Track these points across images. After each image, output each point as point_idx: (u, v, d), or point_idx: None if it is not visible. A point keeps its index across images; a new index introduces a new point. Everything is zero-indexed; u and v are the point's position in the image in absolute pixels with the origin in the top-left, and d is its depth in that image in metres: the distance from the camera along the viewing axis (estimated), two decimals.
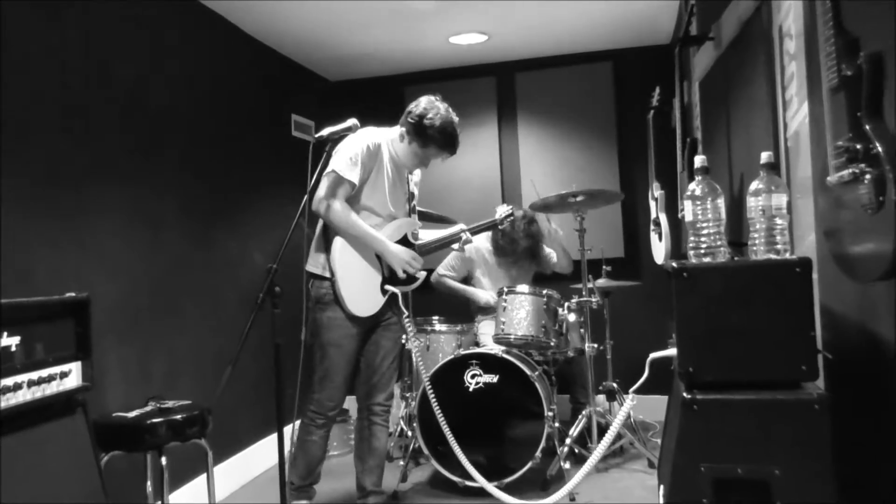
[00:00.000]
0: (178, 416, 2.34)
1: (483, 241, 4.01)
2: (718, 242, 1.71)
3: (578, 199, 3.44)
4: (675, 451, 1.68)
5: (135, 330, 2.85)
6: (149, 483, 2.45)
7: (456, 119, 2.73)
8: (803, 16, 2.02)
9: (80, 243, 2.60)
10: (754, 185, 1.70)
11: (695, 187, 1.74)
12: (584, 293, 3.48)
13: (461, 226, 3.05)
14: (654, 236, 3.81)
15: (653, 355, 1.80)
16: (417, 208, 3.06)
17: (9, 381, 1.68)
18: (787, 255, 1.67)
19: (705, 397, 1.62)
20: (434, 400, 2.84)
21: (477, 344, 3.73)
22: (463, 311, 4.07)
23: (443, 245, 3.02)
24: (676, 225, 3.62)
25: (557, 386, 3.57)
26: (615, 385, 3.70)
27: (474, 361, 3.24)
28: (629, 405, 1.93)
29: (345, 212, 2.60)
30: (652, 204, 3.81)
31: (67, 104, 2.57)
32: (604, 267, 3.75)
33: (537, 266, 4.00)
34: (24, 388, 1.72)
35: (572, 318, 3.51)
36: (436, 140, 2.67)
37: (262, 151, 3.93)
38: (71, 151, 2.58)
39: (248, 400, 3.58)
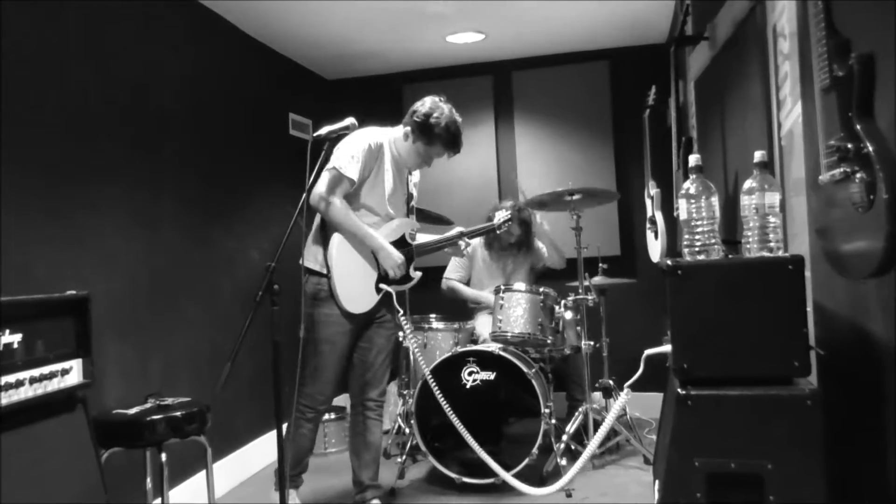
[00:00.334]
0: (178, 413, 2.35)
1: (478, 239, 4.03)
2: (712, 240, 1.73)
3: (575, 197, 3.47)
4: (670, 446, 1.70)
5: (134, 327, 2.86)
6: (148, 480, 2.46)
7: (459, 119, 2.77)
8: (797, 16, 2.04)
9: (80, 241, 2.61)
10: (748, 183, 1.73)
11: (689, 186, 1.76)
12: (580, 291, 3.51)
13: (459, 229, 3.05)
14: (650, 234, 3.84)
15: (648, 352, 1.82)
16: (416, 208, 3.09)
17: (11, 378, 1.69)
18: (780, 253, 1.69)
19: (699, 393, 1.65)
20: (438, 391, 2.85)
21: (474, 340, 3.75)
22: (460, 309, 4.10)
23: (439, 247, 3.02)
24: (672, 223, 3.65)
25: (554, 383, 3.60)
26: (611, 382, 3.72)
27: (471, 359, 3.26)
28: (624, 399, 1.96)
29: (343, 209, 2.63)
30: (648, 202, 3.83)
31: (67, 103, 2.58)
32: (600, 265, 3.78)
33: (531, 258, 4.02)
34: (26, 385, 1.74)
35: (569, 315, 3.53)
36: (441, 139, 2.70)
37: (259, 150, 3.94)
38: (70, 150, 2.59)
39: (246, 397, 3.60)
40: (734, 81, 2.85)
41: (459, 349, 3.34)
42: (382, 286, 2.76)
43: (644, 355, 1.81)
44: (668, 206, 3.65)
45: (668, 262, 1.70)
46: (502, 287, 3.46)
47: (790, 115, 2.20)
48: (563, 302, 3.51)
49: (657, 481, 1.96)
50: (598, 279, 3.71)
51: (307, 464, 2.91)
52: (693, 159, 1.78)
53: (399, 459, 3.43)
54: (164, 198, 3.12)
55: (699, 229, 1.74)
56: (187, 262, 3.26)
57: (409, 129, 2.71)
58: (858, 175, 1.42)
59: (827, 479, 1.58)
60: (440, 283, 4.11)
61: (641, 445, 3.48)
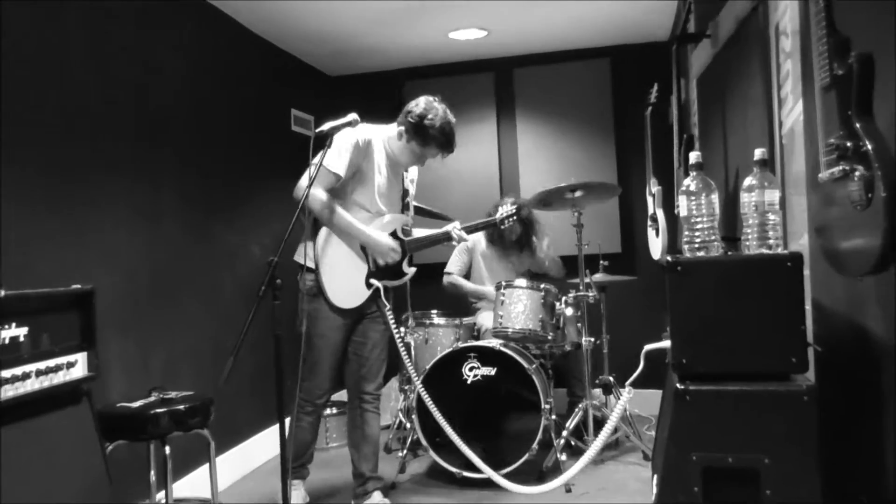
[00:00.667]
0: (181, 407, 2.37)
1: (479, 235, 4.05)
2: (712, 237, 1.74)
3: (576, 194, 3.48)
4: (668, 441, 1.72)
5: (136, 322, 2.88)
6: (152, 473, 2.48)
7: (454, 120, 2.77)
8: (799, 15, 2.05)
9: (82, 237, 2.63)
10: (747, 181, 1.74)
11: (689, 183, 1.78)
12: (581, 288, 3.52)
13: (455, 223, 3.04)
14: (650, 232, 3.85)
15: (647, 347, 1.84)
16: (415, 205, 3.10)
17: (17, 371, 1.71)
18: (779, 250, 1.70)
19: (698, 388, 1.66)
20: (426, 395, 2.88)
21: (475, 335, 3.76)
22: (461, 304, 4.11)
23: (434, 242, 3.01)
24: (673, 221, 3.66)
25: (554, 380, 3.62)
26: (611, 379, 3.74)
27: (472, 354, 3.28)
28: (626, 398, 1.97)
29: (322, 198, 2.63)
30: (649, 200, 3.84)
31: (68, 99, 2.60)
32: (601, 262, 3.79)
33: (532, 261, 4.03)
34: (32, 378, 1.76)
35: (569, 312, 3.55)
36: (436, 139, 2.71)
37: (261, 145, 3.96)
38: (71, 146, 2.60)
39: (248, 391, 3.62)
40: (736, 79, 2.86)
41: (460, 344, 3.36)
42: (373, 281, 2.77)
43: (644, 351, 1.83)
44: (669, 203, 3.66)
45: (668, 258, 1.71)
46: (503, 283, 3.47)
47: (791, 113, 2.21)
48: (563, 298, 3.53)
49: (655, 476, 1.98)
50: (598, 276, 3.73)
51: (312, 455, 2.96)
52: (694, 156, 1.79)
53: (400, 454, 3.45)
54: (166, 193, 3.14)
55: (699, 226, 1.75)
56: (189, 257, 3.28)
57: (402, 129, 2.73)
58: (857, 173, 1.43)
59: (823, 474, 1.59)
60: (441, 279, 4.13)
61: (640, 441, 3.50)
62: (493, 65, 4.72)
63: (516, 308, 3.38)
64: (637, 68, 4.41)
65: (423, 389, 2.90)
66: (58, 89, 2.55)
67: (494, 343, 3.32)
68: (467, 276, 4.15)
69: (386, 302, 2.78)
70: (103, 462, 1.99)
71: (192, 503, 2.93)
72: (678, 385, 1.68)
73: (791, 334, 1.62)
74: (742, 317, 1.65)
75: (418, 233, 3.00)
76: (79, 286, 1.96)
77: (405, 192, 2.93)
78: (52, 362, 1.82)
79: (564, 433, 3.38)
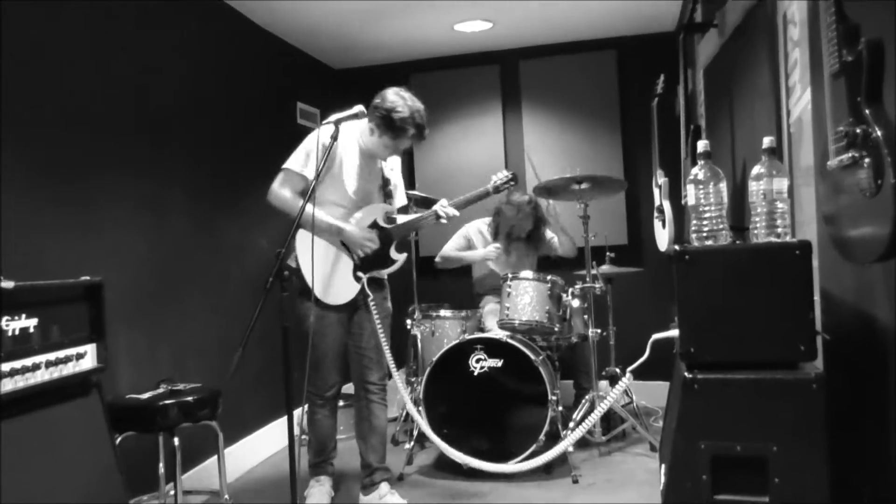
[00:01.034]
0: (190, 398, 2.39)
1: (482, 226, 4.04)
2: (720, 225, 1.74)
3: (582, 186, 3.47)
4: (676, 430, 1.72)
5: (144, 315, 2.90)
6: (161, 464, 2.50)
7: (422, 107, 2.75)
8: (807, 3, 2.04)
9: (90, 231, 2.64)
10: (756, 169, 1.73)
11: (697, 171, 1.77)
12: (587, 279, 3.52)
13: (441, 201, 2.94)
14: (657, 224, 3.83)
15: (655, 336, 1.84)
16: (410, 193, 3.09)
17: (27, 362, 1.72)
18: (788, 239, 1.70)
19: (706, 377, 1.66)
20: (413, 401, 2.88)
21: (481, 328, 3.77)
22: (468, 297, 4.12)
23: (420, 225, 2.94)
24: (680, 212, 3.64)
25: (561, 372, 3.62)
26: (618, 370, 3.74)
27: (479, 346, 3.28)
28: (625, 383, 1.97)
29: (285, 195, 2.70)
30: (655, 191, 3.83)
31: (75, 95, 2.61)
32: (607, 253, 3.78)
33: (538, 250, 4.03)
34: (42, 369, 1.77)
35: (576, 303, 3.55)
36: (406, 130, 2.70)
37: (267, 139, 3.96)
38: (78, 141, 2.61)
39: (256, 384, 3.63)
40: (743, 69, 2.84)
41: (467, 336, 3.36)
42: (360, 274, 2.78)
43: (651, 340, 1.83)
44: (675, 195, 3.65)
45: (676, 247, 1.71)
46: (509, 275, 3.47)
47: (799, 102, 2.20)
48: (570, 290, 3.52)
49: (663, 465, 1.98)
50: (605, 268, 3.72)
51: (334, 450, 3.01)
52: (702, 145, 1.79)
53: (407, 446, 3.46)
54: (173, 187, 3.15)
55: (707, 215, 1.75)
56: (196, 250, 3.29)
57: (373, 125, 2.72)
58: (866, 160, 1.43)
59: (830, 462, 1.59)
60: (449, 275, 4.12)
61: (647, 433, 3.50)
62: (498, 57, 4.71)
63: (523, 300, 3.38)
64: (643, 59, 4.39)
65: (402, 386, 2.88)
66: (66, 86, 2.56)
67: (501, 335, 3.32)
68: (469, 269, 4.15)
69: (369, 291, 2.77)
70: (113, 453, 2.00)
71: (201, 495, 2.95)
72: (686, 374, 1.68)
73: (799, 322, 1.62)
74: (750, 305, 1.65)
75: (403, 218, 2.95)
76: (87, 278, 1.97)
77: (386, 181, 2.92)
78: (61, 353, 1.83)
79: (571, 425, 3.38)
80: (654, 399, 3.96)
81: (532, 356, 3.22)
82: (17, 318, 1.70)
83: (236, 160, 3.64)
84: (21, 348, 1.71)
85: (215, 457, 2.68)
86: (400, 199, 3.03)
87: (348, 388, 3.23)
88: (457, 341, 3.34)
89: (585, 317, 3.57)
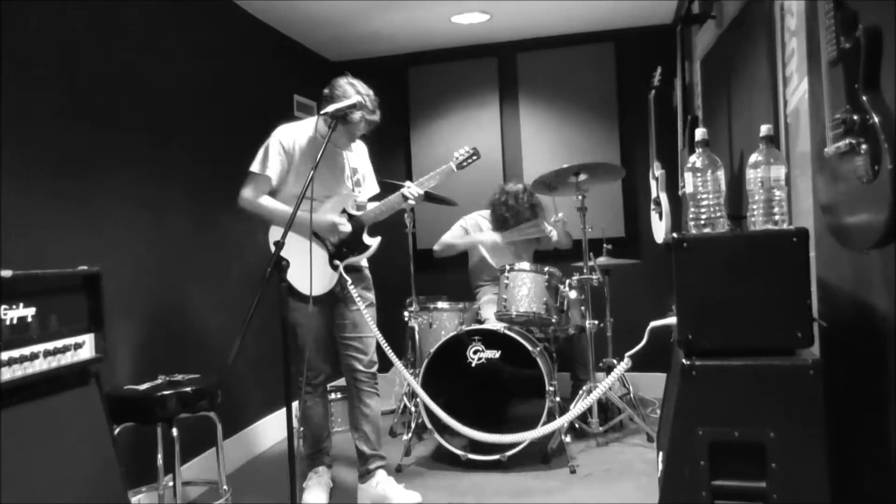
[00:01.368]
0: (188, 389, 2.39)
1: (480, 219, 4.05)
2: (718, 213, 1.74)
3: (580, 177, 3.47)
4: (674, 416, 1.72)
5: (142, 308, 2.90)
6: (160, 456, 2.50)
7: (371, 91, 2.75)
8: None
9: (90, 222, 2.64)
10: (753, 157, 1.74)
11: (695, 159, 1.78)
12: (584, 271, 3.53)
13: (407, 183, 2.92)
14: (654, 216, 3.84)
15: (653, 324, 1.84)
16: (387, 181, 3.12)
17: (25, 351, 1.72)
18: (785, 226, 1.70)
19: (703, 363, 1.67)
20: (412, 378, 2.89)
21: (479, 319, 3.77)
22: (465, 289, 4.12)
23: (391, 207, 2.90)
24: (677, 204, 3.65)
25: (558, 364, 3.63)
26: (615, 362, 3.75)
27: (477, 337, 3.29)
28: (623, 367, 1.98)
29: (252, 198, 2.77)
30: (653, 183, 3.84)
31: (76, 89, 2.61)
32: (604, 245, 3.79)
33: (537, 242, 4.04)
34: (40, 358, 1.76)
35: (573, 295, 3.55)
36: (357, 117, 2.69)
37: (264, 131, 3.93)
38: (79, 134, 2.61)
39: (254, 376, 3.64)
40: (741, 59, 2.84)
41: (465, 328, 3.36)
42: (336, 262, 2.80)
43: (649, 327, 1.84)
44: (672, 187, 3.66)
45: (675, 234, 1.71)
46: (507, 267, 3.48)
47: (796, 91, 2.20)
48: (567, 281, 3.53)
49: (661, 453, 1.99)
50: (602, 259, 3.73)
51: (329, 440, 3.05)
52: (699, 133, 1.79)
53: (405, 437, 3.47)
54: (172, 180, 3.14)
55: (705, 203, 1.75)
56: (195, 243, 3.29)
57: (322, 119, 2.73)
58: (864, 147, 1.43)
59: (828, 448, 1.60)
60: (443, 268, 4.12)
61: (644, 423, 3.51)
62: (496, 49, 4.71)
63: (520, 291, 3.39)
64: (641, 52, 4.39)
65: (402, 368, 2.88)
66: (66, 80, 2.56)
67: (499, 326, 3.33)
68: (465, 261, 4.15)
69: (347, 277, 2.79)
70: (112, 444, 2.00)
71: (200, 486, 2.95)
72: (684, 360, 1.68)
73: (796, 309, 1.63)
74: (748, 292, 1.65)
75: (373, 205, 2.95)
76: (86, 268, 1.96)
77: (353, 171, 2.94)
78: (59, 343, 1.82)
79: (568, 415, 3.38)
80: (650, 390, 3.98)
81: (530, 347, 3.23)
82: (14, 307, 1.70)
83: (234, 152, 3.62)
84: (19, 337, 1.70)
85: (214, 448, 2.68)
86: (371, 187, 3.04)
87: (343, 382, 3.24)
88: (454, 333, 3.34)
89: (583, 308, 3.58)
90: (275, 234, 2.82)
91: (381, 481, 2.83)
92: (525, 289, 3.39)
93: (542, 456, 3.27)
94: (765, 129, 1.73)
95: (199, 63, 3.41)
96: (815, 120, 1.96)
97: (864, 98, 1.43)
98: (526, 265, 3.47)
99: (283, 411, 3.81)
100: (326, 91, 2.73)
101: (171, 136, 3.16)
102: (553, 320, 3.41)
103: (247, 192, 2.78)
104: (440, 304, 3.75)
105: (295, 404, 3.30)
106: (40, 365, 1.76)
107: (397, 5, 3.90)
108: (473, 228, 4.04)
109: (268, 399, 3.79)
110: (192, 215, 3.29)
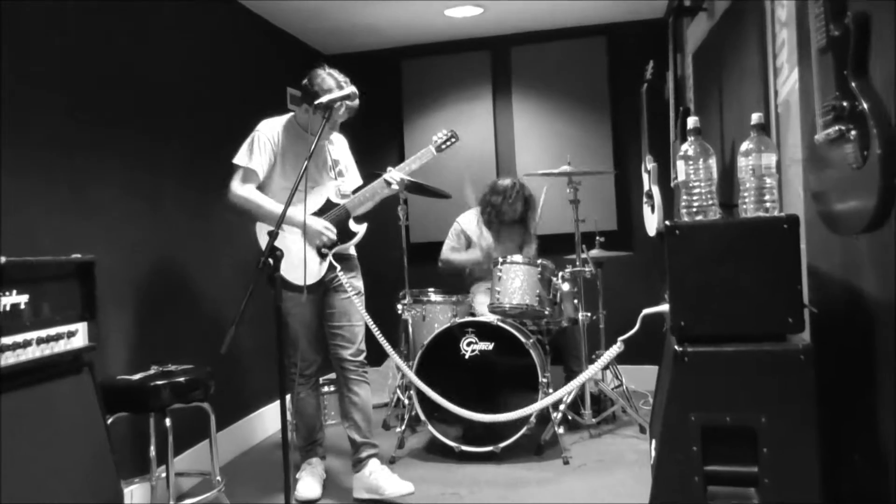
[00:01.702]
0: (181, 379, 2.39)
1: (473, 217, 4.06)
2: (710, 201, 1.76)
3: (570, 167, 3.49)
4: (667, 403, 1.74)
5: (135, 297, 2.89)
6: (152, 447, 2.50)
7: (340, 75, 2.74)
8: None
9: (84, 211, 2.63)
10: (745, 145, 1.75)
11: (687, 147, 1.79)
12: (577, 263, 3.54)
13: (388, 169, 2.94)
14: (646, 208, 3.87)
15: (645, 311, 1.86)
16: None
17: (17, 338, 1.71)
18: (776, 213, 1.72)
19: (696, 350, 1.68)
20: (404, 366, 2.91)
21: (472, 312, 3.78)
22: (458, 282, 4.13)
23: (374, 194, 2.91)
24: (669, 197, 3.67)
25: (551, 357, 3.64)
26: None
27: (470, 329, 3.30)
28: (615, 350, 1.99)
29: (242, 192, 2.76)
30: (645, 176, 3.86)
31: (70, 78, 2.60)
32: (597, 238, 3.81)
33: (527, 237, 4.04)
34: (33, 346, 1.76)
35: (566, 287, 3.57)
36: (335, 103, 2.66)
37: (257, 124, 3.93)
38: (74, 123, 2.60)
39: (250, 367, 3.64)
40: (732, 51, 2.86)
41: (458, 320, 3.37)
42: (325, 251, 2.81)
43: (641, 314, 1.85)
44: (664, 180, 3.68)
45: (667, 222, 1.73)
46: (500, 259, 3.48)
47: (787, 82, 2.22)
48: (560, 274, 3.54)
49: (654, 440, 2.01)
50: (595, 252, 3.75)
51: (322, 431, 3.07)
52: (692, 121, 1.80)
53: (398, 429, 3.48)
54: (165, 170, 3.14)
55: (697, 190, 1.77)
56: (188, 233, 3.29)
57: (307, 105, 2.74)
58: (853, 133, 1.45)
59: (819, 432, 1.62)
60: (436, 260, 4.12)
61: (637, 415, 3.53)
62: (489, 43, 4.71)
63: (513, 284, 3.40)
64: (633, 46, 4.40)
65: (398, 359, 2.89)
66: (60, 69, 2.55)
67: (492, 318, 3.34)
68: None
69: (336, 265, 2.80)
70: (105, 431, 2.00)
71: (193, 477, 2.95)
72: (677, 347, 1.70)
73: (787, 295, 1.64)
74: (739, 279, 1.67)
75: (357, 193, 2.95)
76: (79, 256, 1.96)
77: (335, 162, 2.95)
78: (52, 331, 1.82)
79: (562, 407, 3.40)
80: (643, 383, 4.00)
81: (523, 339, 3.24)
82: (7, 293, 1.69)
83: (227, 143, 3.61)
84: (12, 324, 1.70)
85: (207, 440, 2.68)
86: (353, 179, 3.05)
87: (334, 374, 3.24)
88: (448, 325, 3.35)
89: (576, 301, 3.59)
90: (262, 227, 2.83)
91: (375, 471, 2.83)
92: (518, 281, 3.40)
93: (535, 447, 3.29)
94: (756, 118, 1.74)
95: (194, 54, 3.40)
96: (805, 109, 1.98)
97: (854, 85, 1.44)
98: (519, 258, 3.48)
99: (276, 403, 3.81)
100: (306, 83, 2.72)
101: (164, 125, 3.15)
102: (546, 312, 3.42)
103: (236, 186, 2.78)
104: (433, 297, 3.76)
105: (288, 396, 3.31)
106: (33, 352, 1.76)
107: None
108: (470, 228, 4.04)
109: (261, 391, 3.79)
110: (186, 205, 3.29)
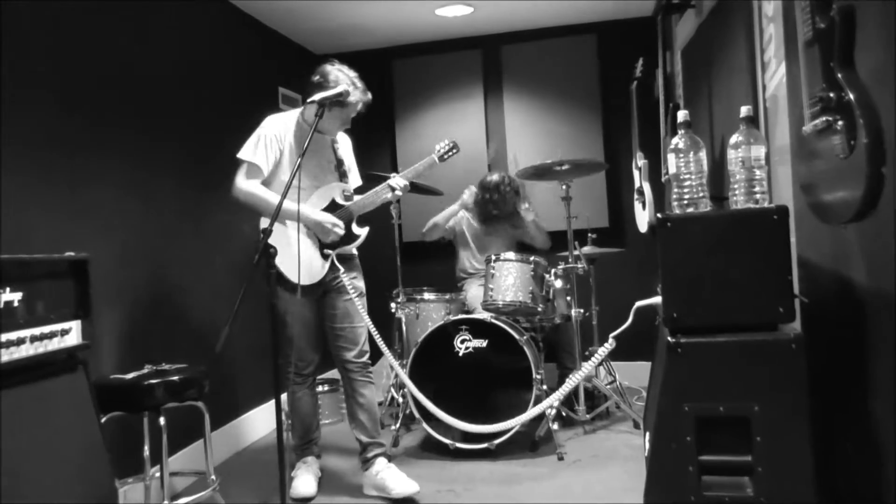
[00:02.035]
0: (175, 378, 2.38)
1: (464, 212, 4.07)
2: (700, 193, 1.78)
3: (564, 167, 3.50)
4: (661, 393, 1.76)
5: (129, 296, 2.88)
6: (146, 447, 2.49)
7: (349, 70, 2.79)
8: None
9: (76, 211, 2.62)
10: (734, 138, 1.77)
11: (678, 141, 1.81)
12: (570, 260, 3.56)
13: (393, 174, 3.00)
14: (637, 205, 3.89)
15: (638, 303, 1.87)
16: (371, 173, 3.12)
17: (12, 336, 1.71)
18: (766, 204, 1.74)
19: (688, 340, 1.70)
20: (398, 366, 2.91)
21: (466, 310, 3.79)
22: (451, 279, 4.14)
23: (376, 199, 2.93)
24: (660, 193, 3.70)
25: (544, 354, 3.65)
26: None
27: (464, 327, 3.31)
28: (608, 347, 2.01)
29: (246, 187, 2.75)
30: (635, 173, 3.88)
31: (64, 77, 2.59)
32: (589, 234, 3.83)
33: (518, 231, 4.05)
34: (27, 343, 1.75)
35: (559, 284, 3.58)
36: (351, 96, 2.71)
37: (249, 123, 3.91)
38: (66, 122, 2.60)
39: (245, 366, 3.63)
40: (720, 47, 2.89)
41: (452, 318, 3.38)
42: (328, 252, 2.81)
43: (634, 307, 1.86)
44: (655, 176, 3.70)
45: (659, 215, 1.74)
46: (493, 256, 3.49)
47: (774, 77, 2.25)
48: (553, 271, 3.55)
49: (648, 432, 2.02)
50: (587, 248, 3.76)
51: (318, 430, 3.06)
52: (682, 115, 1.82)
53: (393, 428, 3.48)
54: (158, 170, 3.13)
55: (687, 183, 1.78)
56: (182, 232, 3.28)
57: (317, 103, 2.71)
58: (840, 123, 1.47)
59: (811, 419, 1.64)
60: (431, 259, 4.14)
61: (631, 410, 3.55)
62: (480, 42, 4.73)
63: (506, 281, 3.41)
64: (623, 44, 4.43)
65: (393, 360, 2.91)
66: (55, 68, 2.55)
67: (486, 315, 3.35)
68: (453, 251, 4.17)
69: (340, 266, 2.80)
70: (99, 429, 1.99)
71: (188, 476, 2.94)
72: (670, 338, 1.72)
73: (778, 285, 1.66)
74: (731, 270, 1.69)
75: (358, 196, 2.97)
76: (73, 254, 1.95)
77: (340, 162, 2.95)
78: (46, 329, 1.81)
79: (556, 403, 3.41)
80: (636, 379, 4.02)
81: (517, 336, 3.25)
82: (1, 291, 1.69)
83: (219, 143, 3.62)
84: (6, 322, 1.69)
85: (202, 440, 2.67)
86: (355, 179, 3.06)
87: (331, 374, 3.25)
88: (442, 322, 3.35)
89: (568, 298, 3.60)
90: (266, 223, 2.79)
91: (381, 470, 2.84)
92: (511, 278, 3.41)
93: (530, 444, 3.30)
94: (745, 110, 1.77)
95: (186, 53, 3.40)
96: (793, 102, 2.00)
97: (840, 76, 1.47)
98: (511, 255, 3.49)
99: (271, 403, 3.81)
100: (317, 78, 2.73)
101: (158, 125, 3.15)
102: (539, 309, 3.43)
103: (240, 181, 2.76)
104: (427, 295, 3.76)
105: (284, 395, 3.31)
106: (27, 350, 1.75)
107: None
108: (463, 223, 4.06)
109: (257, 390, 3.79)
110: (180, 204, 3.28)
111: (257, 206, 2.78)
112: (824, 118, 1.50)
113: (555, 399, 2.30)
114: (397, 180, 2.91)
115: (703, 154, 1.80)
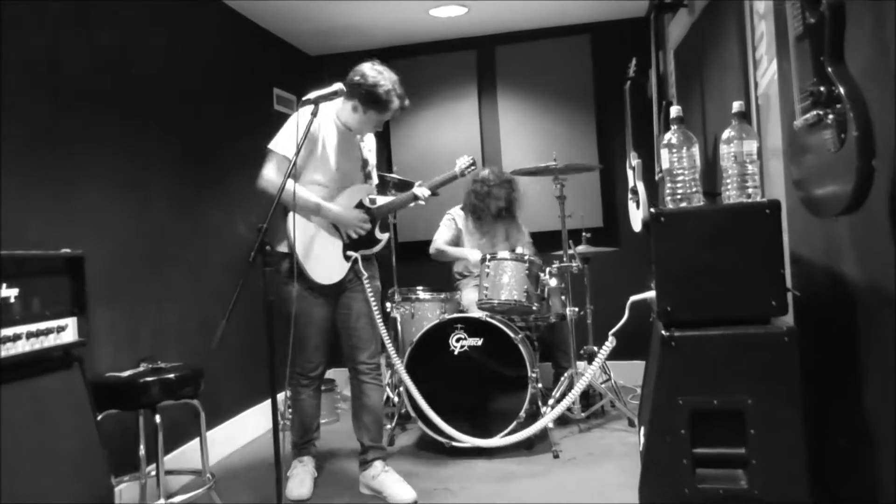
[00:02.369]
0: (171, 375, 2.38)
1: (460, 211, 4.09)
2: (693, 188, 1.79)
3: (557, 164, 3.52)
4: (655, 387, 1.77)
5: (124, 294, 2.88)
6: (142, 445, 2.48)
7: (397, 77, 2.79)
8: None
9: (70, 209, 2.62)
10: (726, 133, 1.79)
11: (671, 136, 1.82)
12: (564, 259, 3.57)
13: (418, 183, 3.05)
14: (631, 205, 3.91)
15: (633, 298, 1.88)
16: (387, 175, 3.12)
17: (8, 332, 1.71)
18: (758, 199, 1.75)
19: (682, 334, 1.71)
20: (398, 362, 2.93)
21: (461, 309, 3.79)
22: (446, 279, 4.15)
23: (402, 205, 3.02)
24: (654, 193, 3.72)
25: (540, 351, 3.66)
26: (596, 349, 3.79)
27: (459, 325, 3.31)
28: (609, 346, 2.02)
29: (276, 179, 2.65)
30: (629, 173, 3.90)
31: (57, 76, 2.60)
32: (583, 234, 3.84)
33: (514, 236, 4.06)
34: (23, 340, 1.75)
35: (554, 283, 3.59)
36: (391, 102, 2.72)
37: (244, 124, 3.95)
38: (59, 119, 2.60)
39: (241, 365, 3.63)
40: (712, 46, 2.91)
41: (447, 316, 3.39)
42: (350, 253, 2.81)
43: (629, 301, 1.88)
44: (649, 176, 3.72)
45: (652, 209, 1.76)
46: (488, 255, 3.50)
47: (766, 74, 2.27)
48: (548, 270, 3.57)
49: (643, 426, 2.03)
50: (582, 248, 3.78)
51: (317, 430, 3.05)
52: (674, 110, 1.84)
53: (388, 427, 3.48)
54: (153, 168, 3.13)
55: (681, 178, 1.80)
56: (176, 230, 3.28)
57: (356, 101, 2.73)
58: (830, 117, 1.49)
59: (804, 412, 1.66)
60: (429, 256, 4.14)
61: (625, 408, 3.56)
62: (474, 43, 4.74)
63: (501, 280, 3.42)
64: (616, 44, 4.45)
65: (397, 361, 2.92)
66: (49, 65, 2.55)
67: (481, 314, 3.36)
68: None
69: (363, 270, 2.81)
70: (95, 426, 1.99)
71: (184, 475, 2.94)
72: (663, 332, 1.73)
73: (771, 278, 1.68)
74: (724, 264, 1.71)
75: (382, 199, 3.00)
76: (69, 250, 1.95)
77: (365, 162, 2.95)
78: (42, 325, 1.81)
79: (551, 402, 3.43)
80: (631, 378, 4.04)
81: (512, 334, 3.26)
82: None
83: (215, 144, 3.63)
84: (1, 318, 1.69)
85: (198, 438, 2.67)
86: (374, 179, 3.07)
87: (327, 375, 3.24)
88: (437, 321, 3.36)
89: (563, 297, 3.62)
90: (291, 220, 2.72)
91: (379, 473, 2.83)
92: (506, 277, 3.42)
93: (525, 442, 3.30)
94: (737, 106, 1.78)
95: (181, 52, 3.40)
96: (784, 98, 2.02)
97: (830, 70, 1.48)
98: (506, 254, 3.50)
99: (267, 402, 3.80)
100: (358, 78, 2.71)
101: (154, 123, 3.15)
102: (534, 308, 3.44)
103: (269, 173, 2.68)
104: (422, 295, 3.77)
105: (284, 394, 3.31)
106: (23, 346, 1.75)
107: None
108: (461, 220, 4.07)
109: (253, 389, 3.78)
110: (176, 202, 3.29)
111: (285, 200, 2.65)
112: (815, 112, 1.52)
113: (566, 403, 2.31)
114: (423, 190, 2.97)
115: (695, 149, 1.82)
